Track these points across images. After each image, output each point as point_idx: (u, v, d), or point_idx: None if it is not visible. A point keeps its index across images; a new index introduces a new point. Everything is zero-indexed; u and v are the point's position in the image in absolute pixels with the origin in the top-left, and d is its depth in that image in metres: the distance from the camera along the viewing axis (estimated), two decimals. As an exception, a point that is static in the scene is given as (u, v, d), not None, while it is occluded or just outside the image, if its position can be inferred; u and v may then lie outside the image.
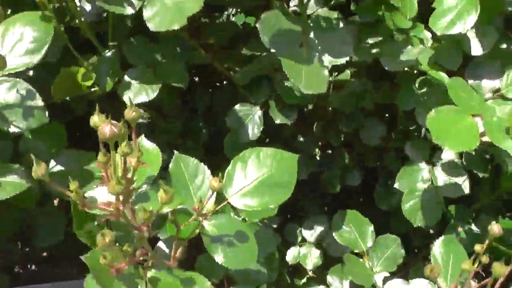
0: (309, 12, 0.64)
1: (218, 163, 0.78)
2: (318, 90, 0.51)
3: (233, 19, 0.86)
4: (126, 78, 0.64)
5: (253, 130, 0.67)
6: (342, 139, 0.78)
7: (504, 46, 0.67)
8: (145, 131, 0.78)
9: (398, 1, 0.63)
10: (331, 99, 0.71)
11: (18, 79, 0.51)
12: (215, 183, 0.40)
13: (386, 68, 0.61)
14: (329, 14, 0.62)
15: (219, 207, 0.44)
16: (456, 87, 0.56)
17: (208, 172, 0.48)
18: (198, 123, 0.79)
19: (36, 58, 0.52)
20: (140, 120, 0.77)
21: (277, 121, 0.67)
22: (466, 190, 0.66)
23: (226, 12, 0.82)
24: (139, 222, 0.39)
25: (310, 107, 0.81)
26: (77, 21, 0.62)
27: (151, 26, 0.53)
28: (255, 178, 0.46)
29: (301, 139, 0.81)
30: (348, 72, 0.73)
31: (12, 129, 0.50)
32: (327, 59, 0.53)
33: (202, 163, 0.48)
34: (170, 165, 0.47)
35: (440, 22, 0.59)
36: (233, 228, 0.44)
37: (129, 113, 0.36)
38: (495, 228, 0.46)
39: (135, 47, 0.65)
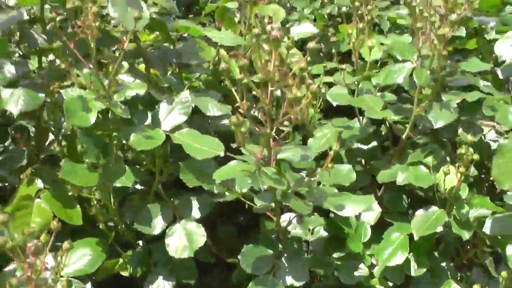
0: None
1: None
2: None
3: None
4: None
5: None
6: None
7: (443, 264, 0.94)
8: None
9: (352, 229, 0.93)
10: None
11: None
12: None
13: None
14: (301, 234, 0.94)
15: None
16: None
17: None
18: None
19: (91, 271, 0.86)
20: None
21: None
22: None
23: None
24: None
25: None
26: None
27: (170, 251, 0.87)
28: None
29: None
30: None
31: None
32: (289, 282, 0.83)
33: None
34: None
35: (383, 254, 0.88)
36: None
37: None
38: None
39: (159, 247, 0.98)
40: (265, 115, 0.73)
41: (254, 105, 1.10)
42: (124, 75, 0.89)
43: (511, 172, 0.73)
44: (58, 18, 1.01)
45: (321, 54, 1.47)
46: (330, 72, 1.17)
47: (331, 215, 1.02)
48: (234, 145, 0.74)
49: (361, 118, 1.04)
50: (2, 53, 0.96)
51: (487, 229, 0.81)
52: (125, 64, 0.89)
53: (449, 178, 0.83)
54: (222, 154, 0.84)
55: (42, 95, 0.90)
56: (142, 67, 1.08)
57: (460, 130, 0.98)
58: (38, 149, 1.08)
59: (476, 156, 0.81)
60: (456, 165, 0.82)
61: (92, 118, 0.80)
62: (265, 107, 0.72)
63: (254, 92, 0.72)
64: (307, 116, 0.74)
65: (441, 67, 0.89)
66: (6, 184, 1.17)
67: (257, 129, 0.74)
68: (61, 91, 0.85)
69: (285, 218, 0.96)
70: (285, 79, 0.70)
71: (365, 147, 1.04)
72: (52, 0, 1.02)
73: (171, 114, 0.89)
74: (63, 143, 1.03)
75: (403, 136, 0.96)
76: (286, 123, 0.75)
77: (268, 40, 0.69)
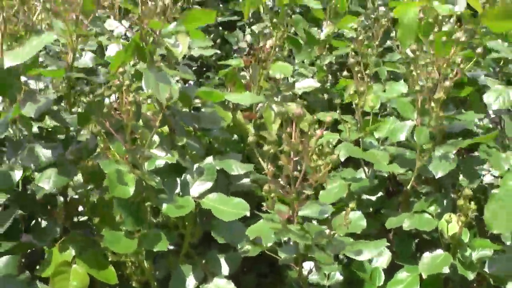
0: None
1: None
2: None
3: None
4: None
5: None
6: None
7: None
8: None
9: (367, 273, 1.06)
10: None
11: None
12: None
13: None
14: (318, 279, 1.06)
15: None
16: None
17: None
18: None
19: None
20: None
21: None
22: None
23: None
24: None
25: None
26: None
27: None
28: None
29: None
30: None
31: None
32: None
33: None
34: None
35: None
36: None
37: None
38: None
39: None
40: (289, 180, 0.86)
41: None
42: (155, 149, 1.01)
43: (500, 218, 0.87)
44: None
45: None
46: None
47: (341, 256, 1.14)
48: (264, 208, 0.87)
49: (366, 168, 1.18)
50: (30, 132, 1.08)
51: (488, 269, 0.94)
52: (156, 138, 1.02)
53: (451, 225, 0.96)
54: (248, 214, 0.97)
55: (70, 174, 1.01)
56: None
57: (460, 177, 1.12)
58: (66, 217, 1.19)
59: (474, 206, 0.94)
60: (457, 214, 0.95)
61: (131, 190, 0.92)
62: (289, 173, 0.86)
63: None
64: (325, 179, 0.87)
65: (438, 124, 1.03)
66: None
67: (281, 192, 0.87)
68: (99, 162, 0.97)
69: (306, 267, 1.08)
70: (306, 149, 0.84)
71: (373, 197, 1.17)
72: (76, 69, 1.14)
73: (198, 181, 1.02)
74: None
75: (408, 187, 1.09)
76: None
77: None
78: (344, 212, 1.00)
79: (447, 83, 0.96)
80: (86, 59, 1.06)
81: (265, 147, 0.83)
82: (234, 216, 0.96)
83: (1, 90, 0.95)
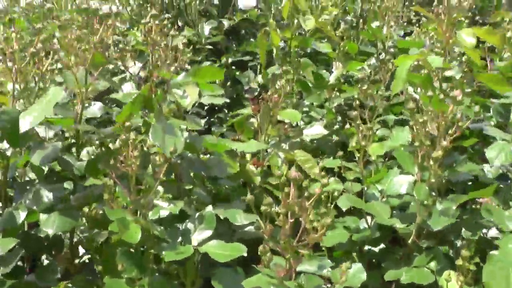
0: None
1: None
2: None
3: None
4: None
5: None
6: None
7: None
8: None
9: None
10: None
11: None
12: None
13: None
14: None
15: None
16: None
17: None
18: None
19: None
20: None
21: None
22: None
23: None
24: None
25: None
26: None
27: None
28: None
29: None
30: None
31: None
32: None
33: None
34: None
35: None
36: None
37: None
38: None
39: None
40: (286, 238, 0.89)
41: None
42: (160, 200, 1.05)
43: (499, 278, 0.89)
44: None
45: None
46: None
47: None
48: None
49: (369, 218, 1.20)
50: (40, 177, 1.12)
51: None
52: (160, 189, 1.06)
53: (451, 284, 0.98)
54: (245, 254, 0.99)
55: (74, 219, 1.05)
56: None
57: (463, 230, 1.14)
58: (71, 259, 1.23)
59: (473, 267, 0.95)
60: (457, 273, 0.96)
61: (139, 236, 0.96)
62: (286, 232, 0.88)
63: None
64: (322, 239, 0.90)
65: (438, 180, 1.05)
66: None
67: (279, 249, 0.90)
68: (105, 210, 1.01)
69: (306, 320, 1.10)
70: (305, 211, 0.86)
71: (376, 248, 1.19)
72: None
73: (198, 230, 1.05)
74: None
75: (409, 242, 1.11)
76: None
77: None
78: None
79: (445, 143, 0.98)
80: (95, 109, 1.11)
81: (262, 207, 0.86)
82: (230, 257, 0.98)
83: (13, 142, 0.99)
